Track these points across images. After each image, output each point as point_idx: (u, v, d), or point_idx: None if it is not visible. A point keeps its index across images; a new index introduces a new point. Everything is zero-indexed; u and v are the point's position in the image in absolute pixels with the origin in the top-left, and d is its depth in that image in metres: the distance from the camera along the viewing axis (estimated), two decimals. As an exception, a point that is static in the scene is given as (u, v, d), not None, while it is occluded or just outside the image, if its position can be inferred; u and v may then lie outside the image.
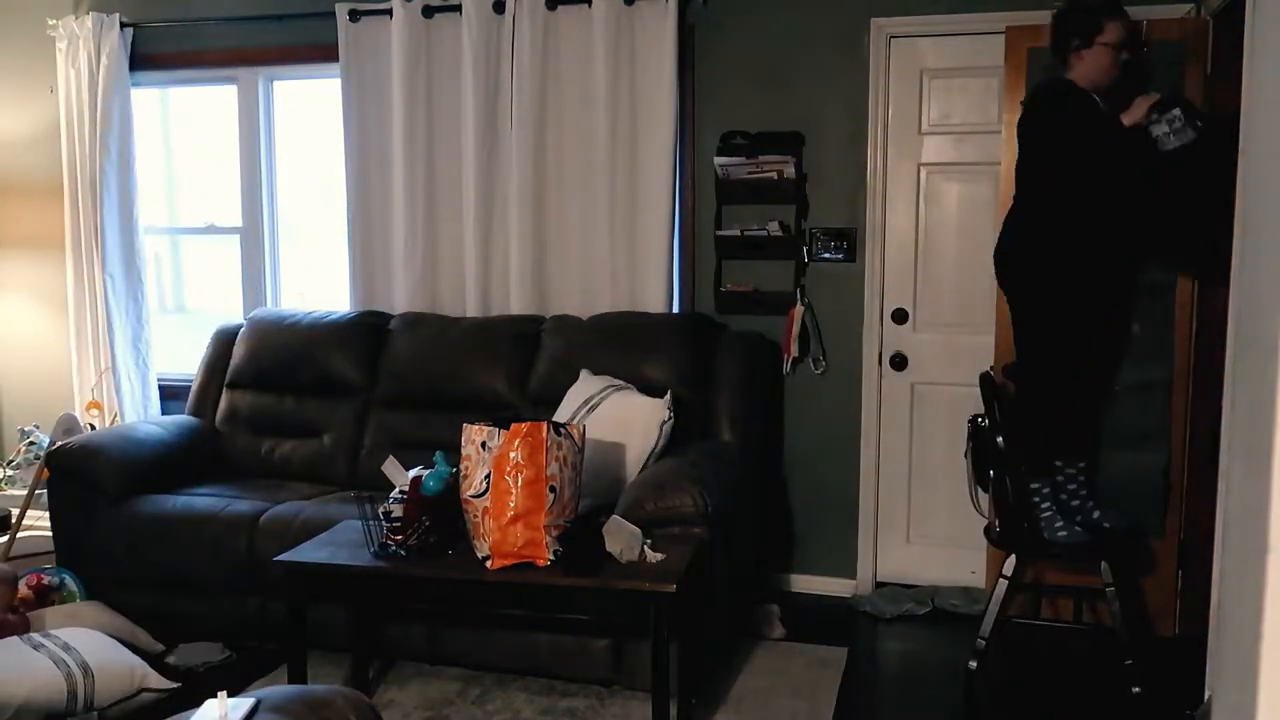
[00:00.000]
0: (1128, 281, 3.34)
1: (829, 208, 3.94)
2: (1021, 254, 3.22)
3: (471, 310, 4.15)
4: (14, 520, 3.89)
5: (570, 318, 3.93)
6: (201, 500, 3.60)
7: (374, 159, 4.26)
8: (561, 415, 3.44)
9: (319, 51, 4.31)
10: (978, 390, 3.37)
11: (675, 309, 4.02)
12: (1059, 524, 3.20)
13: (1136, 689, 3.09)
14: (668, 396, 3.42)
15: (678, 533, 2.95)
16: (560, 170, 4.06)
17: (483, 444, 2.70)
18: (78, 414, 4.34)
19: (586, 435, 2.96)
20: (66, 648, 2.93)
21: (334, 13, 4.21)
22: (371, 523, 2.88)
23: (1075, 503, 3.29)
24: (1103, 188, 3.10)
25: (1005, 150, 3.56)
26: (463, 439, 2.77)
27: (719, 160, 3.89)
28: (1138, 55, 3.23)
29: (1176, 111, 2.93)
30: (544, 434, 2.66)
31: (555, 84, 4.03)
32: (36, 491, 3.86)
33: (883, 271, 3.94)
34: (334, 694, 2.09)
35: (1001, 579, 3.24)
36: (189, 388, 4.28)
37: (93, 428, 4.22)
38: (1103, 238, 3.13)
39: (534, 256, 4.08)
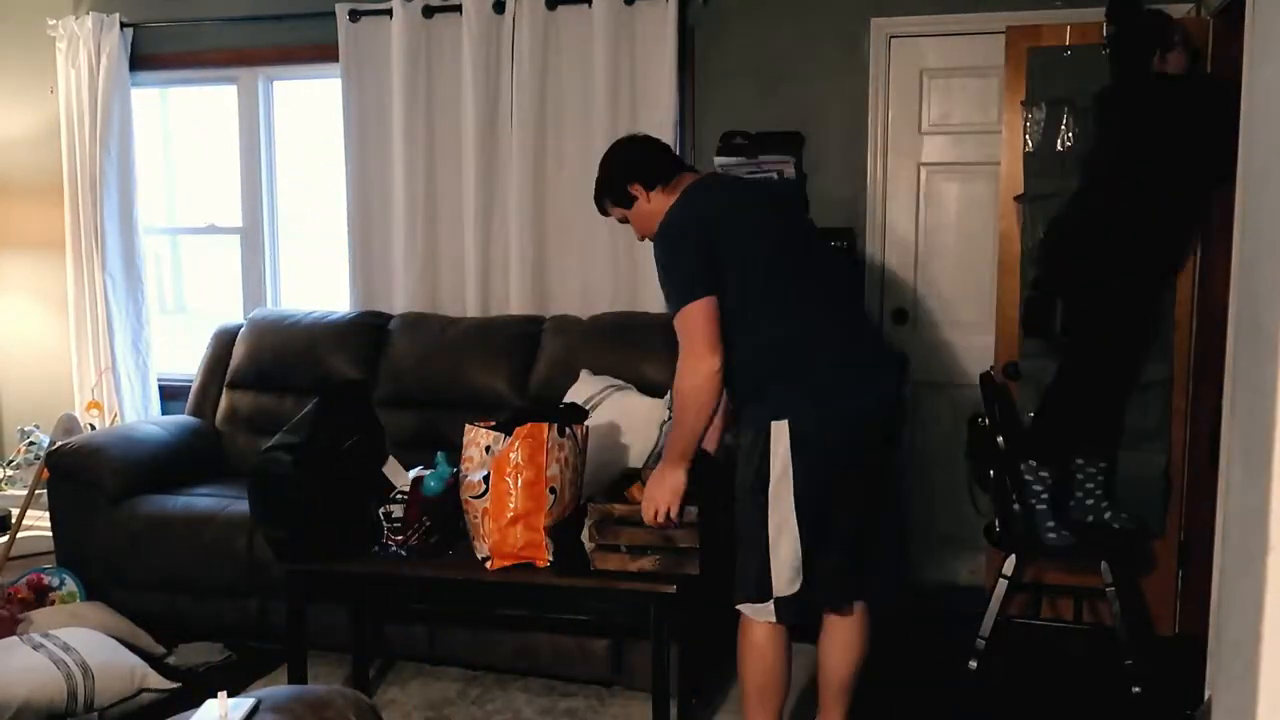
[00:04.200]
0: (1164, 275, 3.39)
1: (829, 208, 3.94)
2: (1095, 240, 3.23)
3: (471, 310, 4.15)
4: (14, 520, 3.89)
5: (570, 318, 3.92)
6: (201, 500, 3.60)
7: (374, 159, 4.26)
8: (561, 415, 3.43)
9: (319, 51, 4.30)
10: (978, 390, 3.37)
11: (675, 309, 4.01)
12: (1049, 524, 3.21)
13: (1136, 689, 3.09)
14: (668, 396, 3.41)
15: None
16: (560, 170, 4.06)
17: (486, 448, 2.70)
18: (78, 414, 4.34)
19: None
20: (66, 648, 2.93)
21: (334, 13, 4.21)
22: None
23: (1087, 500, 3.29)
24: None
25: (1005, 150, 3.56)
26: (464, 439, 2.76)
27: (719, 160, 3.89)
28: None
29: None
30: (544, 435, 2.66)
31: (555, 84, 4.03)
32: (36, 491, 3.86)
33: (883, 271, 3.94)
34: (334, 694, 2.10)
35: (1001, 579, 3.25)
36: (189, 388, 4.27)
37: (93, 428, 4.22)
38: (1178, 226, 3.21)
39: (534, 257, 4.08)
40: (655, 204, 2.59)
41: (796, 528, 2.40)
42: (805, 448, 2.38)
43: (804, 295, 2.49)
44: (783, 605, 2.44)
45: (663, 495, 2.51)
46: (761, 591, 2.44)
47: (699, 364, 2.43)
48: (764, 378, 2.46)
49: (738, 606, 2.51)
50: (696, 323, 2.42)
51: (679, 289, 2.44)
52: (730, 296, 2.44)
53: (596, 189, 2.73)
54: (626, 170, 2.63)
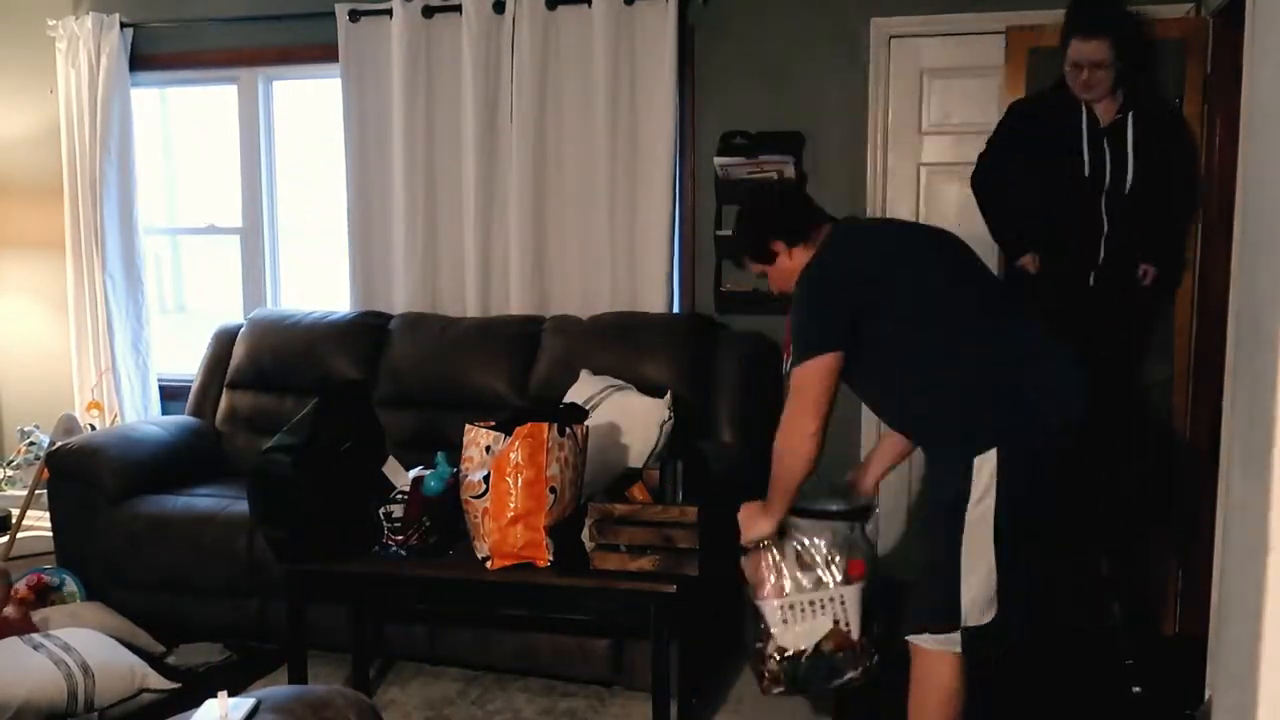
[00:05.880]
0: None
1: (829, 208, 3.89)
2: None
3: (471, 310, 4.15)
4: (14, 520, 3.89)
5: (570, 318, 3.92)
6: (201, 500, 3.60)
7: (374, 159, 4.26)
8: (561, 415, 3.44)
9: (319, 51, 4.30)
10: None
11: (675, 309, 4.02)
12: None
13: (1136, 689, 3.09)
14: (668, 396, 3.42)
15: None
16: (560, 170, 4.06)
17: (487, 448, 2.70)
18: (78, 414, 4.34)
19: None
20: (67, 648, 2.93)
21: (334, 13, 4.21)
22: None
23: None
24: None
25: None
26: (465, 439, 2.76)
27: (719, 160, 3.89)
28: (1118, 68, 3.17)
29: None
30: (544, 435, 2.66)
31: (555, 84, 4.03)
32: (36, 491, 3.86)
33: (883, 271, 3.93)
34: (334, 694, 2.10)
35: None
36: (189, 388, 4.28)
37: (93, 428, 4.22)
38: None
39: (534, 257, 4.08)
40: (797, 260, 2.50)
41: (994, 555, 2.29)
42: (1012, 471, 2.26)
43: (978, 324, 2.38)
44: (971, 636, 2.33)
45: (746, 531, 2.53)
46: (949, 619, 2.32)
47: (799, 423, 2.36)
48: (951, 417, 2.36)
49: (913, 638, 2.39)
50: (810, 380, 2.34)
51: (805, 339, 2.38)
52: (893, 344, 2.37)
53: (735, 244, 2.69)
54: (768, 227, 2.55)
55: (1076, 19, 3.17)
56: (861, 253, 2.48)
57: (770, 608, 2.53)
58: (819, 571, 2.55)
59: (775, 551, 2.54)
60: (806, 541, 2.56)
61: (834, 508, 2.64)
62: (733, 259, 2.71)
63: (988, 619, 2.31)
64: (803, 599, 2.52)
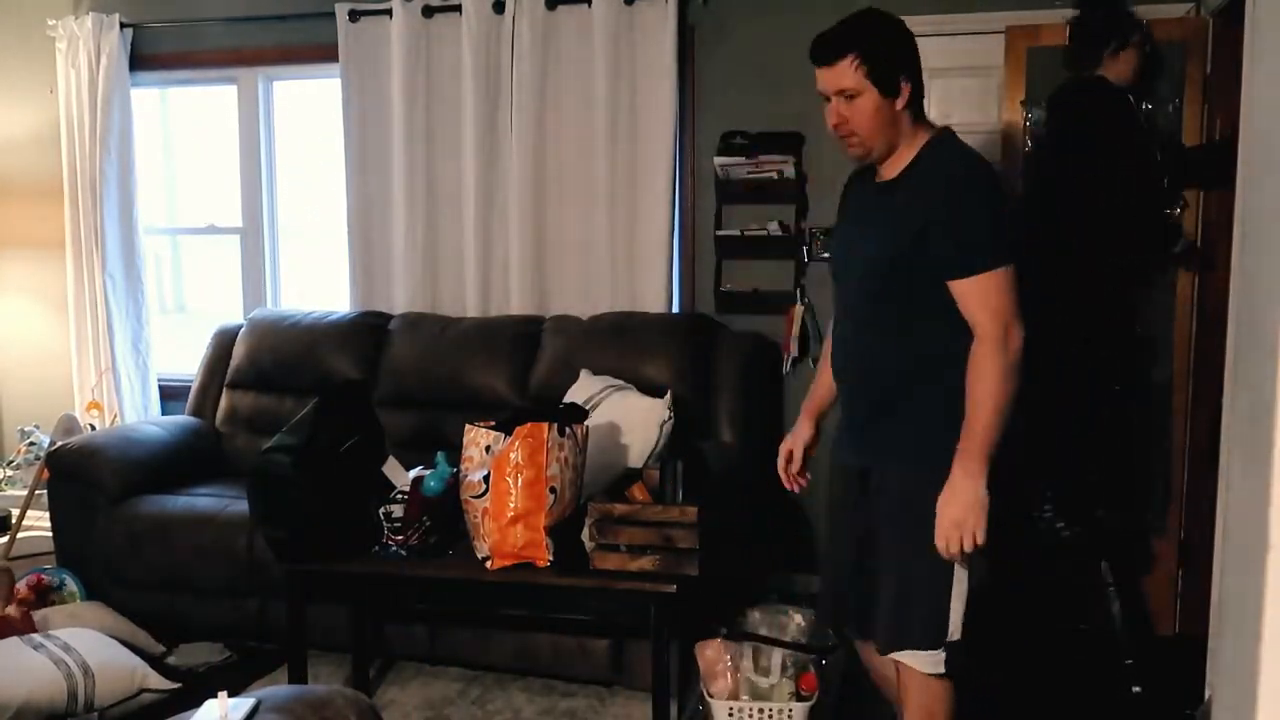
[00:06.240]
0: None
1: (829, 207, 3.93)
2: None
3: (471, 310, 4.15)
4: (14, 520, 3.89)
5: (570, 318, 3.93)
6: (202, 500, 3.60)
7: (374, 159, 4.26)
8: (561, 415, 3.44)
9: (319, 51, 4.30)
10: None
11: (675, 309, 4.02)
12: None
13: (1136, 689, 3.09)
14: (668, 396, 3.42)
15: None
16: (560, 170, 4.06)
17: (487, 448, 2.70)
18: (78, 414, 4.34)
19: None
20: (67, 648, 2.93)
21: (334, 13, 4.21)
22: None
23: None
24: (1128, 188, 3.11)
25: (1005, 150, 3.56)
26: (465, 439, 2.76)
27: (719, 160, 3.89)
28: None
29: None
30: (544, 435, 2.66)
31: (555, 84, 4.03)
32: (36, 491, 3.86)
33: (883, 271, 3.93)
34: (334, 694, 2.10)
35: (1002, 579, 3.24)
36: (189, 388, 4.28)
37: (93, 428, 4.22)
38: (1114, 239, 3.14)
39: (534, 256, 4.08)
40: (900, 117, 2.20)
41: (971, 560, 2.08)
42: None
43: None
44: (954, 651, 2.10)
45: (971, 516, 1.99)
46: (936, 637, 2.09)
47: (1015, 337, 2.00)
48: (952, 394, 2.06)
49: (898, 656, 2.14)
50: (1009, 288, 2.01)
51: (999, 239, 2.05)
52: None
53: (862, 43, 2.19)
54: (915, 66, 2.22)
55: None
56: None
57: (719, 708, 2.54)
58: (772, 680, 2.55)
59: (734, 649, 2.53)
60: (764, 649, 2.56)
61: (802, 640, 2.66)
62: (819, 54, 2.17)
63: (960, 633, 2.11)
64: (752, 707, 2.52)
